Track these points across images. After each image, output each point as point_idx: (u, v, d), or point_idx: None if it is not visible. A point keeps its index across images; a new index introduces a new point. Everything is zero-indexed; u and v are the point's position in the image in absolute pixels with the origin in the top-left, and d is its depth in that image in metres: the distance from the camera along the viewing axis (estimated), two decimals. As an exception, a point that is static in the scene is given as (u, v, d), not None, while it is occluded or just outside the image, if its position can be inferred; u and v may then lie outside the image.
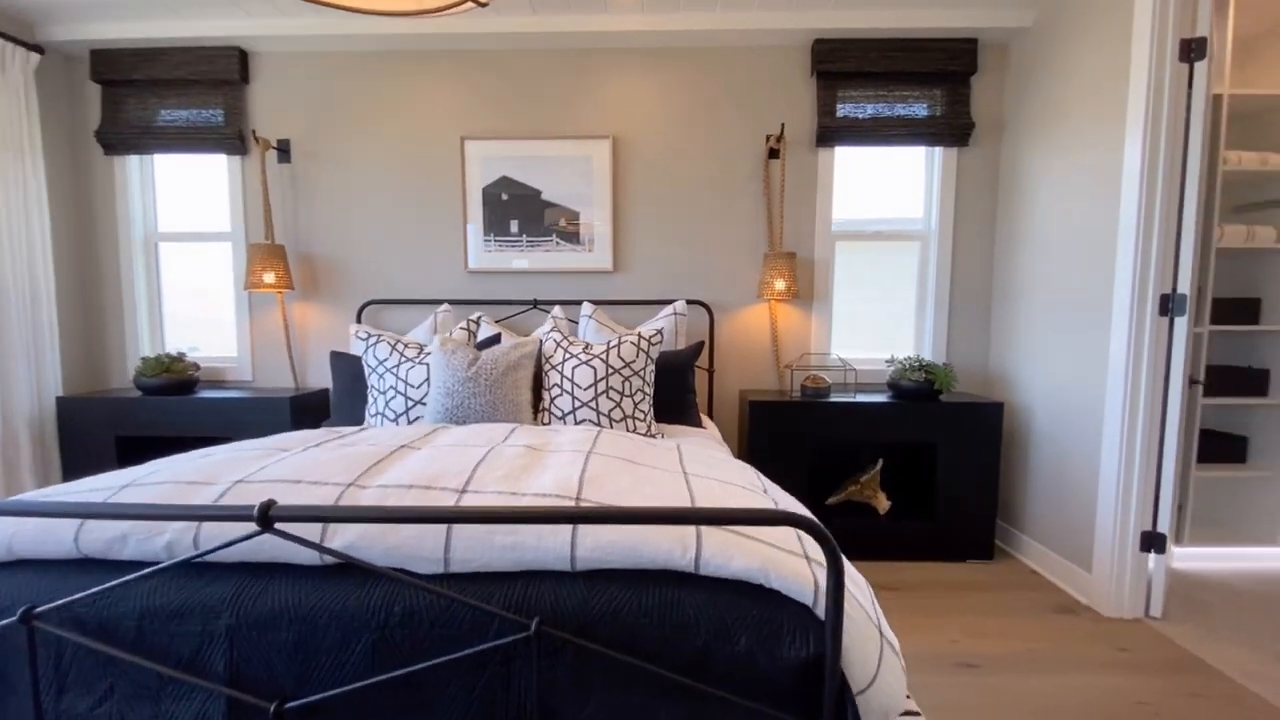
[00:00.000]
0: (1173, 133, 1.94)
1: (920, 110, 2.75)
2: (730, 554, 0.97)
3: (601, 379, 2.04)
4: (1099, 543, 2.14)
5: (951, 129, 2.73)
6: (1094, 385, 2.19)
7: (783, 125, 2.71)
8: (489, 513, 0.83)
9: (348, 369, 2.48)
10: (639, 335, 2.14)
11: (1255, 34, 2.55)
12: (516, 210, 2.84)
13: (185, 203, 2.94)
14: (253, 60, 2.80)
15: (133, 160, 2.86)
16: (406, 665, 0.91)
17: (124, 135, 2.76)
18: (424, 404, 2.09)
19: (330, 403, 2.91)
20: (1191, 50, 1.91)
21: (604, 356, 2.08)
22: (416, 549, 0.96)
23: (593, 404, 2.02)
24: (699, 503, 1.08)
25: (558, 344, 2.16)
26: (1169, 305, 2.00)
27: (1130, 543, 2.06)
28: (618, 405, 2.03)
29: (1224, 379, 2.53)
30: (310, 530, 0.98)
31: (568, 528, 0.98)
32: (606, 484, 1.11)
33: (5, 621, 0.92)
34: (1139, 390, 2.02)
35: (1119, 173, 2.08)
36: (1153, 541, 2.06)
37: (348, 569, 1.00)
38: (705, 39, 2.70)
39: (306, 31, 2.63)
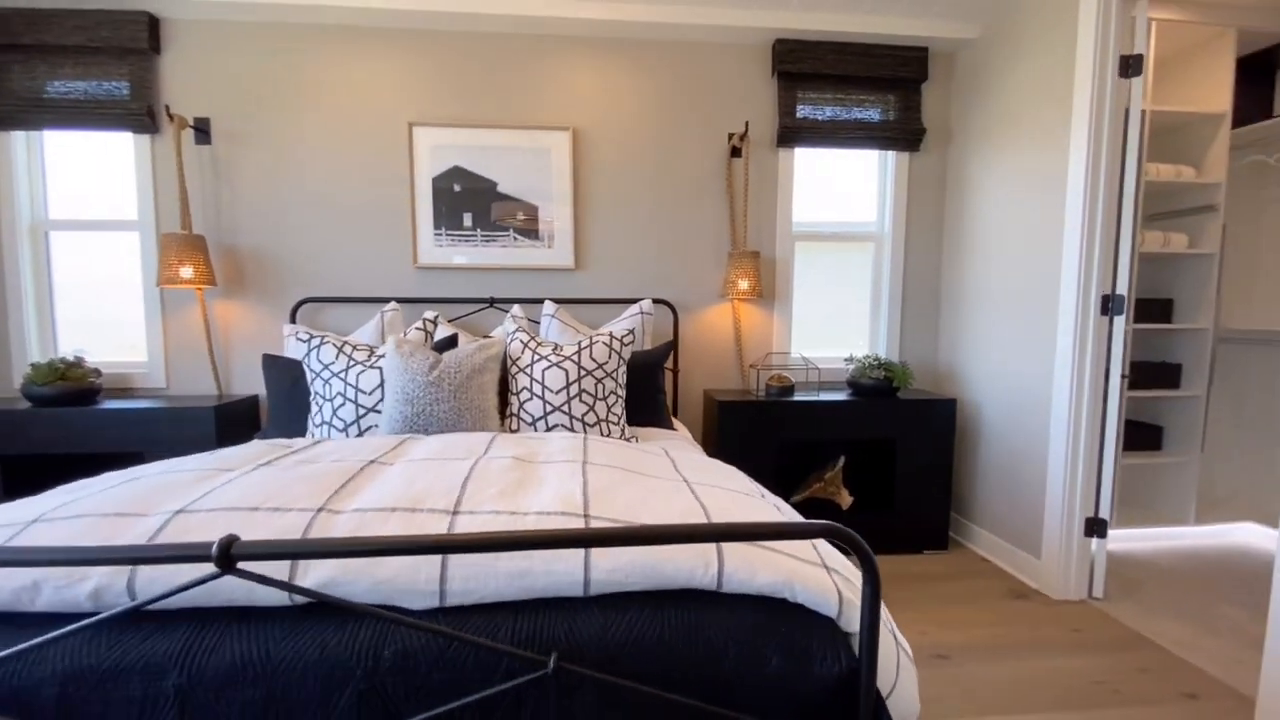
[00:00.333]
0: (1113, 144, 2.07)
1: (874, 115, 2.82)
2: (754, 568, 0.91)
3: (574, 382, 1.95)
4: (1048, 530, 2.26)
5: (904, 134, 2.81)
6: (1042, 380, 2.31)
7: (747, 124, 2.70)
8: (499, 539, 0.73)
9: (284, 374, 2.25)
10: (611, 336, 2.06)
11: (1165, 56, 2.78)
12: (470, 203, 2.68)
13: (82, 186, 2.58)
14: (165, 27, 2.48)
15: (17, 137, 2.47)
16: (403, 718, 0.79)
17: (7, 108, 2.38)
18: (378, 411, 1.92)
19: (263, 412, 2.65)
20: (1129, 67, 2.04)
21: (575, 358, 1.98)
22: (409, 582, 0.85)
23: (565, 408, 1.92)
24: (713, 515, 1.02)
25: (525, 345, 2.04)
26: (1109, 305, 2.13)
27: (1076, 529, 2.19)
28: (591, 409, 1.95)
29: (1142, 373, 2.75)
30: (278, 567, 0.85)
31: (579, 549, 0.89)
32: (613, 498, 1.03)
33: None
34: (1084, 385, 2.15)
35: (1064, 180, 2.20)
36: (1095, 527, 2.20)
37: (324, 607, 0.87)
38: (669, 32, 2.64)
39: (229, -2, 2.36)
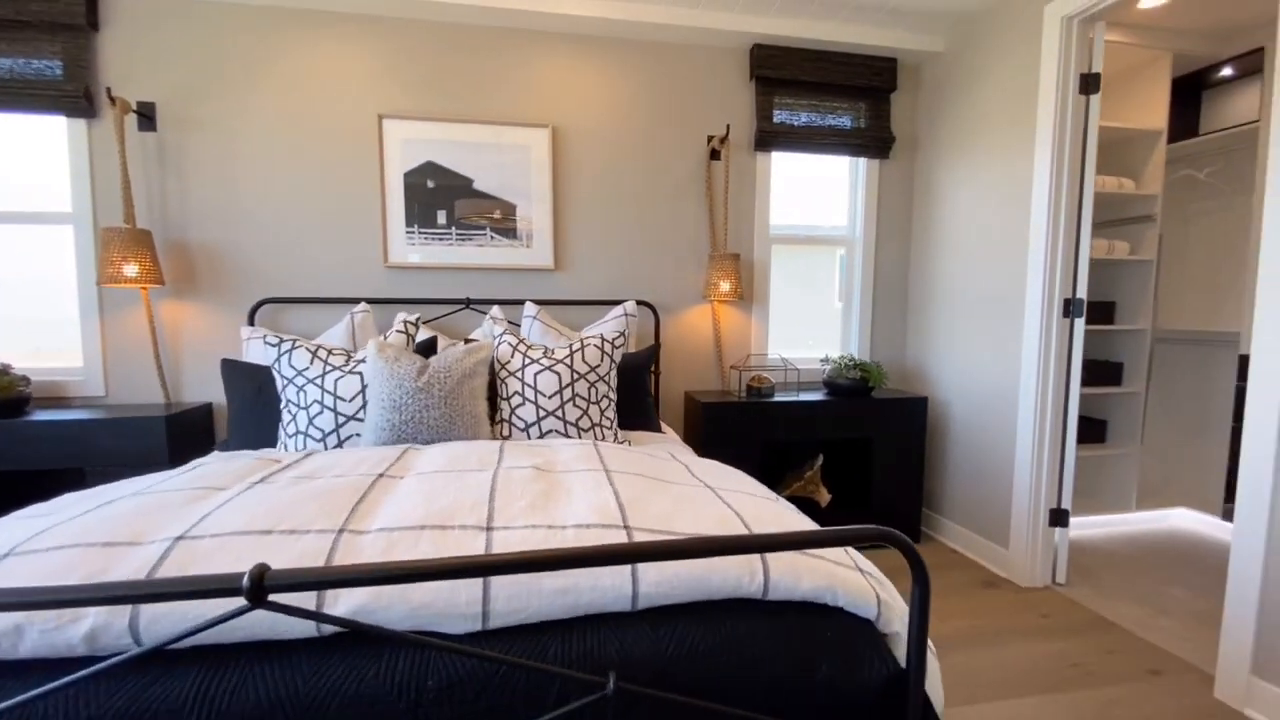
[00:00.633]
0: (1074, 156, 2.20)
1: (847, 122, 2.90)
2: (799, 575, 0.91)
3: (567, 385, 1.90)
4: (1015, 521, 2.38)
5: (874, 141, 2.90)
6: (1009, 379, 2.43)
7: (728, 126, 2.71)
8: (552, 555, 0.68)
9: (247, 381, 2.10)
10: (602, 338, 2.02)
11: (1109, 76, 2.99)
12: (444, 200, 2.58)
13: (5, 175, 2.32)
14: (105, 1, 2.27)
15: (-78, 115, 2.20)
16: (453, 751, 0.75)
17: (-92, 82, 2.12)
18: (359, 419, 1.81)
19: (219, 421, 2.46)
20: (1089, 84, 2.18)
21: (568, 361, 1.93)
22: (449, 605, 0.80)
23: (558, 413, 1.88)
24: (750, 522, 1.01)
25: (514, 348, 1.98)
26: (1070, 308, 2.27)
27: (1042, 519, 2.32)
28: (585, 414, 1.91)
29: (1089, 371, 2.94)
30: (305, 596, 0.78)
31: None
32: (647, 507, 1.00)
33: None
34: (1048, 383, 2.27)
35: (1029, 190, 2.32)
36: (1058, 517, 2.33)
37: (351, 637, 0.80)
38: (650, 33, 2.63)
39: (180, -26, 2.18)
